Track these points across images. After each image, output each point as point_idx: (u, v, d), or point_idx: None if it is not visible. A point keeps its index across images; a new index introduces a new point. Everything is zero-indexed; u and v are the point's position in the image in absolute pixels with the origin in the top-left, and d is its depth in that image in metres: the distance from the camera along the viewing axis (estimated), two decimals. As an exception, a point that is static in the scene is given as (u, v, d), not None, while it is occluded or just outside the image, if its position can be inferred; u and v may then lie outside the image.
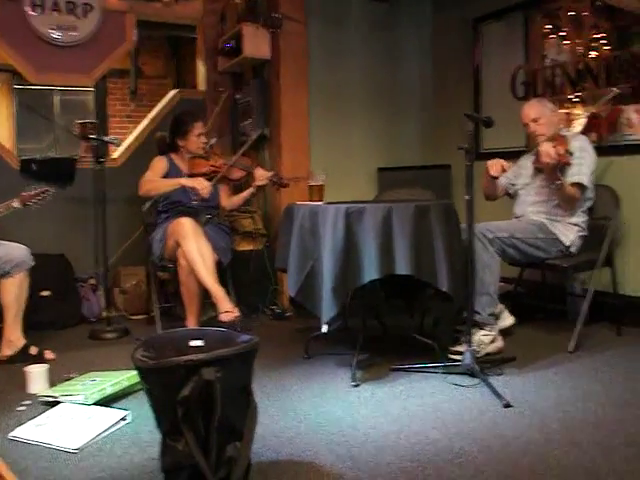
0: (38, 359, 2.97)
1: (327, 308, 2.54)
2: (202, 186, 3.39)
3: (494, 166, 3.06)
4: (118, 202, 4.01)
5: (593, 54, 3.64)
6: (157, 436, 2.08)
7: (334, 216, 2.57)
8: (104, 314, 3.92)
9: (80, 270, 4.00)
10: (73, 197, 4.05)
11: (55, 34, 3.92)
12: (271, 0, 4.05)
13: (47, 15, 3.90)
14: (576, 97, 3.70)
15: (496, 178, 3.14)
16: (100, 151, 4.24)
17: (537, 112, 3.15)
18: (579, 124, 3.68)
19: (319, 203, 2.89)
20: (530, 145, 4.01)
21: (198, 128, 3.60)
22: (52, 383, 2.64)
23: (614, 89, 3.37)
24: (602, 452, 1.94)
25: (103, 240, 3.55)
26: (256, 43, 4.02)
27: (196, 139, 3.60)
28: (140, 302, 4.03)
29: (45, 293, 3.73)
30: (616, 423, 2.16)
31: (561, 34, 3.87)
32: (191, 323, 3.35)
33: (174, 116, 3.71)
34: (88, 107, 6.37)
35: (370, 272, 2.54)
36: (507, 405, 2.32)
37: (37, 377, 2.62)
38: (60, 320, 3.73)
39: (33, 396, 2.55)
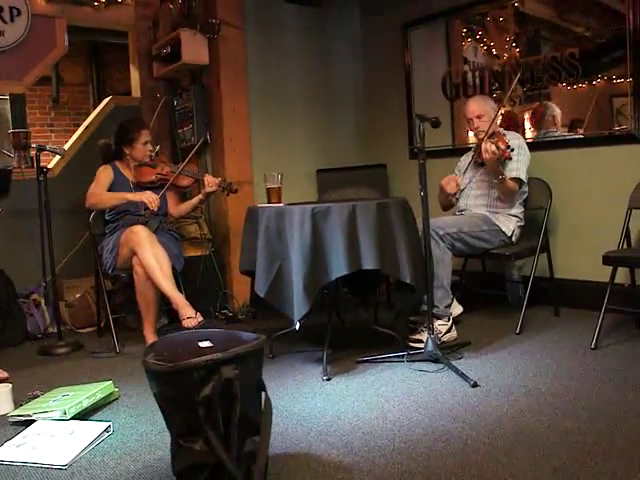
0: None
1: (299, 306, 2.62)
2: (150, 199, 3.36)
3: (449, 185, 3.27)
4: (56, 214, 3.88)
5: (505, 57, 3.97)
6: (145, 444, 2.15)
7: (300, 216, 2.66)
8: (50, 329, 3.81)
9: (20, 286, 3.83)
10: (8, 209, 3.88)
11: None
12: (208, 6, 4.07)
13: (-29, 20, 3.73)
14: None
15: (454, 195, 3.34)
16: (31, 162, 4.11)
17: (481, 109, 3.39)
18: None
19: (280, 205, 2.96)
20: (456, 144, 4.30)
21: (144, 136, 3.57)
22: (16, 402, 2.55)
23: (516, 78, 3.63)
24: (566, 417, 2.15)
25: (50, 253, 3.43)
26: (194, 49, 4.02)
27: (142, 147, 3.57)
28: (87, 315, 3.93)
29: (-15, 311, 3.56)
30: (572, 392, 2.39)
31: (477, 38, 4.19)
32: (149, 331, 3.31)
33: (119, 123, 3.64)
34: (3, 116, 6.06)
35: (338, 269, 2.64)
36: (475, 385, 2.50)
37: (1, 397, 2.52)
38: (5, 339, 3.56)
39: (0, 417, 2.46)
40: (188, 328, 2.96)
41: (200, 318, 3.04)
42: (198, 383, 1.52)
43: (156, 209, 3.38)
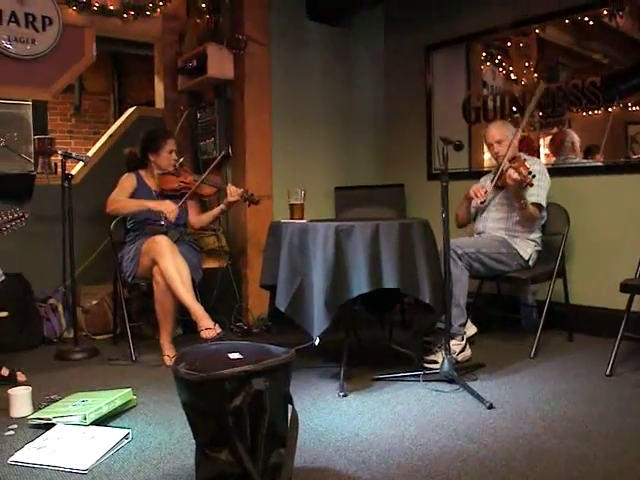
0: (10, 381, 2.88)
1: (319, 322, 2.64)
2: (169, 210, 3.41)
3: (478, 192, 3.30)
4: (77, 220, 3.93)
5: (524, 81, 4.03)
6: (165, 452, 2.17)
7: (324, 233, 2.69)
8: (66, 334, 3.84)
9: (38, 290, 3.88)
10: (31, 214, 3.93)
11: (11, 46, 3.82)
12: (235, 22, 4.15)
13: (4, 27, 3.80)
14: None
15: (483, 202, 3.37)
16: (54, 168, 4.19)
17: (501, 134, 3.43)
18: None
19: (302, 221, 3.00)
20: (472, 168, 4.35)
21: (170, 144, 3.64)
22: (34, 405, 2.58)
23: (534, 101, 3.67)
24: (582, 442, 2.17)
25: (71, 258, 3.48)
26: (220, 63, 4.09)
27: (167, 155, 3.63)
28: (102, 322, 3.96)
29: (3, 314, 3.59)
30: (588, 417, 2.40)
31: (496, 62, 4.26)
32: (165, 340, 3.34)
33: (147, 132, 3.70)
34: (25, 121, 6.16)
35: (360, 286, 2.67)
36: (491, 406, 2.51)
37: (21, 400, 2.55)
38: (22, 341, 3.60)
39: (20, 420, 2.49)
40: (206, 339, 2.99)
41: (219, 329, 3.06)
42: (229, 393, 1.55)
43: (174, 220, 3.43)
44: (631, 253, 3.22)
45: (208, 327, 3.06)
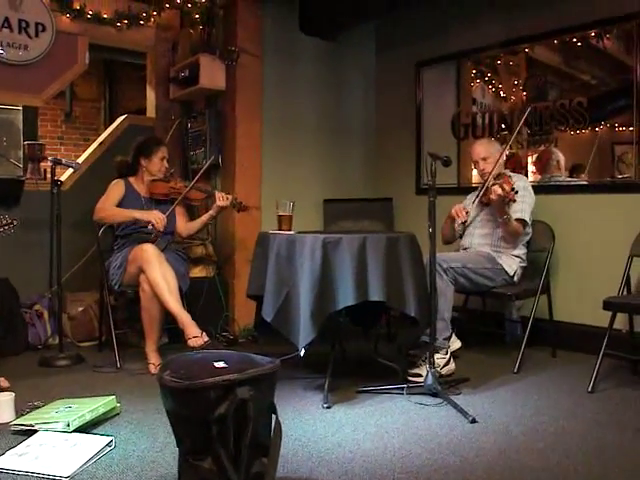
0: (-7, 387, 2.87)
1: (305, 333, 2.66)
2: (157, 219, 3.43)
3: (459, 213, 3.34)
4: (65, 227, 3.93)
5: (512, 99, 4.10)
6: (147, 460, 2.17)
7: (312, 245, 2.71)
8: (51, 340, 3.82)
9: (24, 296, 3.86)
10: (19, 220, 3.92)
11: (4, 52, 3.83)
12: (228, 33, 4.19)
13: (-4, 33, 3.81)
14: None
15: (464, 224, 3.42)
16: (43, 174, 4.18)
17: (487, 151, 3.49)
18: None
19: (290, 232, 3.02)
20: (461, 183, 4.39)
21: (163, 152, 3.68)
22: (17, 412, 2.57)
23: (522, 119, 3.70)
24: (562, 457, 2.19)
25: (58, 264, 3.47)
26: (212, 74, 4.12)
27: (159, 161, 3.67)
28: (88, 329, 3.95)
29: (-13, 319, 3.58)
30: (569, 433, 2.42)
31: (486, 79, 4.33)
32: (151, 349, 3.34)
33: (141, 139, 3.73)
34: (15, 127, 6.14)
35: (345, 298, 2.69)
36: (473, 421, 2.53)
37: (4, 406, 2.54)
38: (6, 347, 3.57)
39: (2, 425, 2.47)
40: (194, 347, 2.99)
41: (206, 338, 3.06)
42: (213, 402, 1.56)
43: (162, 229, 3.44)
44: (614, 271, 3.26)
45: (195, 335, 3.06)
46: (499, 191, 3.14)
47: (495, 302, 3.90)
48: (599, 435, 2.40)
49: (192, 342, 3.03)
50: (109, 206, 3.57)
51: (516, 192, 3.16)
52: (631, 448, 2.27)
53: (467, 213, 3.37)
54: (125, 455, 2.21)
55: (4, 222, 2.95)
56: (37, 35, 3.95)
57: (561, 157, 3.86)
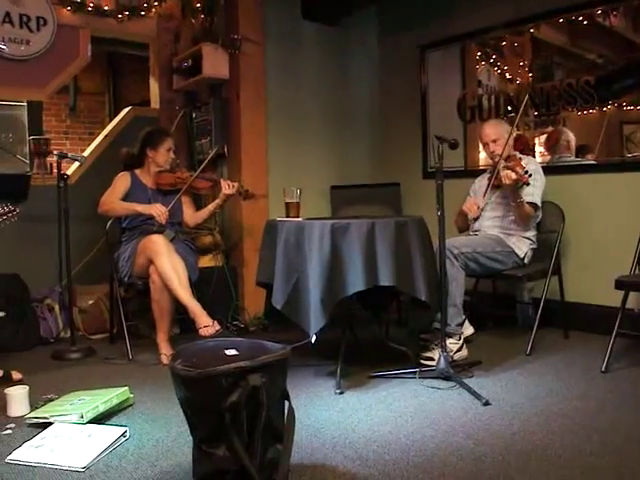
0: (5, 381, 2.88)
1: (316, 320, 2.65)
2: (159, 212, 3.43)
3: (471, 209, 3.32)
4: (73, 220, 3.93)
5: (518, 81, 4.05)
6: (162, 450, 2.17)
7: (320, 231, 2.70)
8: (62, 334, 3.84)
9: (35, 290, 3.87)
10: (26, 215, 3.92)
11: (6, 47, 3.82)
12: (229, 22, 4.16)
13: (-2, 28, 3.81)
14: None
15: (476, 219, 3.39)
16: (50, 168, 4.18)
17: (496, 133, 3.44)
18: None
19: (298, 219, 3.01)
20: (468, 166, 4.36)
21: (169, 143, 3.67)
22: (31, 405, 2.58)
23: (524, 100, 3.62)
24: (578, 437, 2.18)
25: (67, 258, 3.48)
26: (215, 63, 4.10)
27: (165, 152, 3.66)
28: (99, 321, 3.96)
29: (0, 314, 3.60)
30: (583, 413, 2.41)
31: (491, 61, 4.28)
32: (162, 339, 3.35)
33: (147, 130, 3.72)
34: (20, 122, 6.16)
35: (355, 284, 2.68)
36: (487, 403, 2.52)
37: (19, 399, 2.55)
38: (18, 342, 3.60)
39: (17, 419, 2.49)
40: (205, 337, 2.99)
41: (217, 327, 3.07)
42: (226, 389, 1.56)
43: (164, 222, 3.44)
44: (626, 250, 3.23)
45: (206, 325, 3.06)
46: (513, 176, 3.08)
47: (506, 285, 3.88)
48: (614, 415, 2.39)
49: (203, 331, 3.03)
50: (112, 199, 3.57)
51: (530, 175, 3.11)
52: (647, 427, 2.26)
53: (478, 208, 3.34)
54: (140, 445, 2.22)
55: (6, 210, 2.93)
56: (38, 29, 3.94)
57: (571, 137, 3.82)
